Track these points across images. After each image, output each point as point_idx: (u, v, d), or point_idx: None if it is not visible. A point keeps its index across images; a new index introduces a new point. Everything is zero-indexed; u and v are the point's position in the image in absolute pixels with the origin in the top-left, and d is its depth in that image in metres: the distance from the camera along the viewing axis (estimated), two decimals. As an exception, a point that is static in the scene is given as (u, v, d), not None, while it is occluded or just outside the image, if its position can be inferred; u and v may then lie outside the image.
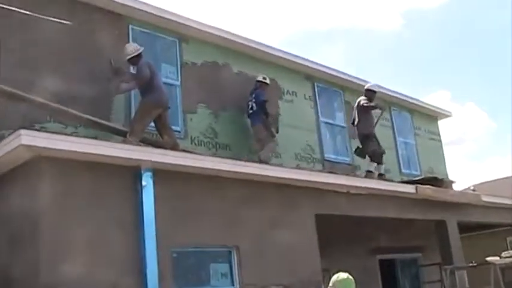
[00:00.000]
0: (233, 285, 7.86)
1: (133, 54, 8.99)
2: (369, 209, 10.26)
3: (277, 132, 11.31)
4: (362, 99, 12.72)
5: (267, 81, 11.42)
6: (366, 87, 12.91)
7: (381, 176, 12.39)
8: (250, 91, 11.25)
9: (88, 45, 9.22)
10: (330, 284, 5.68)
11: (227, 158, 8.99)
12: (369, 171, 12.54)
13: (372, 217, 10.48)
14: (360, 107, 12.69)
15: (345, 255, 11.12)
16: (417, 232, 13.11)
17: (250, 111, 11.12)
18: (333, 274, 5.82)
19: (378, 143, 12.77)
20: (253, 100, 11.08)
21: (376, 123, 12.99)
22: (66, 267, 6.16)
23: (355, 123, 12.87)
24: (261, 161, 9.97)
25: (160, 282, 6.75)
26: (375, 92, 12.87)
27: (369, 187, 10.27)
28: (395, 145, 15.40)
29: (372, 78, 13.34)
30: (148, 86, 8.87)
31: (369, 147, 12.66)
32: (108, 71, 9.17)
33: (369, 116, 12.75)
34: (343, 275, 5.70)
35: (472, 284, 12.62)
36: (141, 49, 9.05)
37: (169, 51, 10.62)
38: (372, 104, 12.68)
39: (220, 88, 11.25)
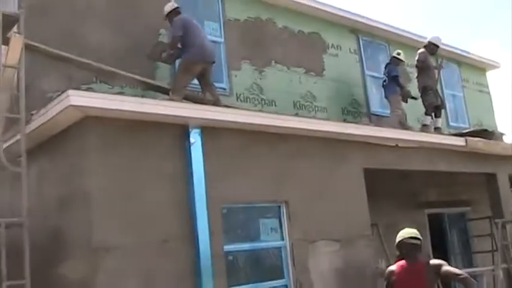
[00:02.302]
0: (283, 240, 7.86)
1: (166, 13, 8.89)
2: (418, 163, 10.09)
3: (406, 102, 12.37)
4: (421, 55, 12.58)
5: (401, 57, 12.33)
6: (429, 40, 12.78)
7: (436, 130, 12.22)
8: (385, 65, 12.53)
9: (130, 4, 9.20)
10: (399, 239, 6.62)
11: (274, 113, 8.91)
12: (424, 125, 12.36)
13: (420, 171, 10.33)
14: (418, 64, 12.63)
15: (393, 209, 11.02)
16: (465, 186, 12.88)
17: (384, 83, 12.29)
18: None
19: (436, 96, 12.62)
20: (386, 74, 12.19)
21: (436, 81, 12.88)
22: (117, 228, 6.21)
23: (416, 76, 12.82)
24: (402, 126, 11.37)
25: (210, 238, 6.80)
26: (437, 46, 12.75)
27: (417, 140, 10.09)
28: (443, 98, 15.04)
29: (417, 30, 13.04)
30: (184, 43, 8.73)
31: (425, 100, 12.49)
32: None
33: (428, 70, 12.56)
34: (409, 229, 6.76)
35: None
36: (174, 6, 8.90)
37: (212, 8, 10.49)
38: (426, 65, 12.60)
39: (265, 44, 11.12)
